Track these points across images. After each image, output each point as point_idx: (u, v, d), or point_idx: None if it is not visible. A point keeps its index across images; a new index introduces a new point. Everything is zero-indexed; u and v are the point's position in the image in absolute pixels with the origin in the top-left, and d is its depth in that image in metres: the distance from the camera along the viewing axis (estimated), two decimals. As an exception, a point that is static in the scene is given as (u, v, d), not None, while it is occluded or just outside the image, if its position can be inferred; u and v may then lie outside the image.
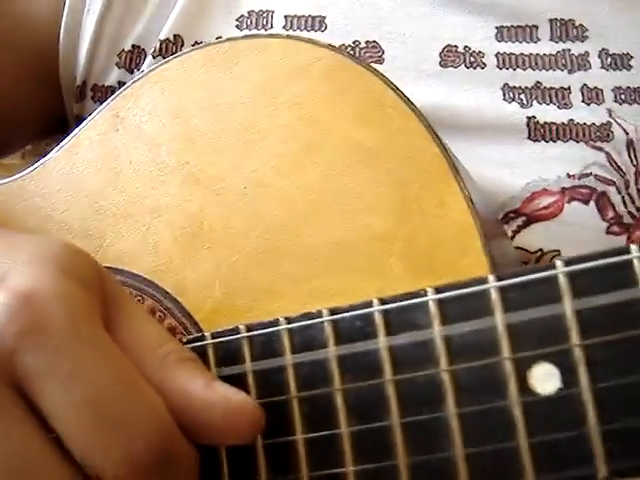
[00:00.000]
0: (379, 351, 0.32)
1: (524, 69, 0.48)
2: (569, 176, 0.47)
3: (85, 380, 0.29)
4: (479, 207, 0.41)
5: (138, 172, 0.40)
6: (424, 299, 0.31)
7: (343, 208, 0.36)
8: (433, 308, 0.31)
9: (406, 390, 0.31)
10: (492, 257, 0.35)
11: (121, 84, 0.50)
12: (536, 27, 0.49)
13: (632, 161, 0.48)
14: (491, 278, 0.31)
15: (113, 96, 0.41)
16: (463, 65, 0.49)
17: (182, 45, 0.49)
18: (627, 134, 0.48)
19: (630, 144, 0.48)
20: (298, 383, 0.33)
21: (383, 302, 0.32)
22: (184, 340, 0.35)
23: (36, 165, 0.42)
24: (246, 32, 0.49)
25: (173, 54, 0.42)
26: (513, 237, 0.47)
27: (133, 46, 0.51)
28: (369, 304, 0.32)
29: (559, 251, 0.46)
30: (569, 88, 0.48)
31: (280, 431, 0.33)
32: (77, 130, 0.42)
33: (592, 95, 0.48)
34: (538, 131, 0.47)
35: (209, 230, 0.38)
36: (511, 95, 0.48)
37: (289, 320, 0.33)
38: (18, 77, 0.52)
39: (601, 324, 0.29)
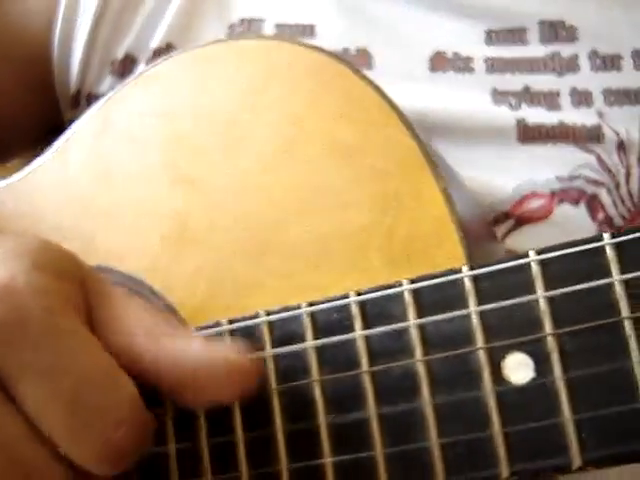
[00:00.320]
0: (356, 342, 0.32)
1: (513, 73, 0.49)
2: (559, 178, 0.47)
3: (63, 372, 0.29)
4: (469, 209, 0.42)
5: (127, 173, 0.41)
6: (399, 289, 0.32)
7: (325, 204, 0.37)
8: (408, 299, 0.32)
9: (382, 381, 0.32)
10: (481, 258, 0.36)
11: (114, 92, 0.51)
12: (526, 30, 0.49)
13: (622, 162, 0.48)
14: (465, 268, 0.31)
15: (103, 99, 0.42)
16: (452, 70, 0.49)
17: None
18: (618, 135, 0.48)
19: (620, 146, 0.48)
20: (277, 375, 0.33)
21: (359, 294, 0.32)
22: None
23: (28, 168, 0.43)
24: None
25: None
26: (503, 240, 0.47)
27: (126, 55, 0.52)
28: (346, 296, 0.33)
29: None
30: (558, 91, 0.49)
31: (260, 423, 0.33)
32: (68, 133, 0.43)
33: (582, 98, 0.48)
34: (527, 133, 0.48)
35: (194, 228, 0.39)
36: (500, 98, 0.48)
37: (269, 313, 0.34)
38: (13, 85, 0.53)
39: (574, 313, 0.30)
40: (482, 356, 0.30)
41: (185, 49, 0.43)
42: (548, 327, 0.30)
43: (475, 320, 0.31)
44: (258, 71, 0.40)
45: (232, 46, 0.41)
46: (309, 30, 0.50)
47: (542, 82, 0.48)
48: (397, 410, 0.31)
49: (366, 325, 0.32)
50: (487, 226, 0.47)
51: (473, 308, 0.31)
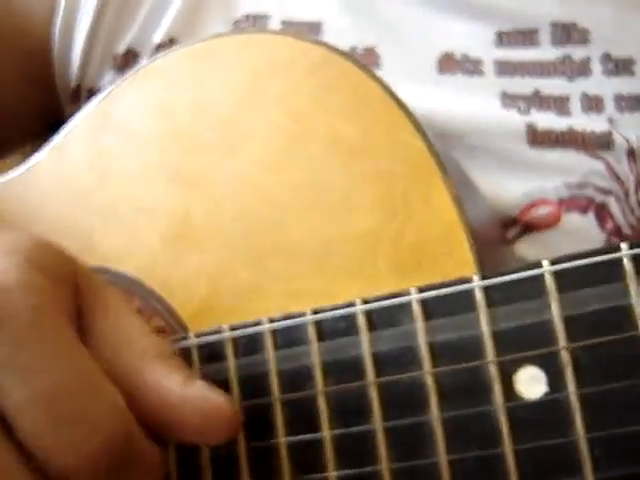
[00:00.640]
0: (362, 353, 0.31)
1: (523, 76, 0.48)
2: (567, 185, 0.46)
3: (42, 373, 0.28)
4: (481, 213, 0.41)
5: (125, 170, 0.40)
6: (407, 298, 0.31)
7: (329, 205, 0.36)
8: (416, 308, 0.30)
9: (389, 393, 0.31)
10: (493, 263, 0.35)
11: (114, 87, 0.50)
12: (537, 31, 0.48)
13: (632, 171, 0.47)
14: (475, 277, 0.30)
15: (101, 94, 0.41)
16: (460, 72, 0.48)
17: None
18: (628, 142, 0.47)
19: (631, 153, 0.47)
20: (281, 385, 0.32)
21: (366, 302, 0.31)
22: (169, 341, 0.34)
23: (26, 164, 0.42)
24: None
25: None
26: (511, 245, 0.46)
27: (127, 49, 0.50)
28: (352, 304, 0.31)
29: None
30: (568, 96, 0.48)
31: (263, 434, 0.32)
32: (66, 129, 0.42)
33: (592, 104, 0.47)
34: (537, 138, 0.47)
35: (195, 228, 0.38)
36: (509, 102, 0.47)
37: (272, 320, 0.33)
38: (13, 76, 0.52)
39: (588, 326, 0.29)
40: (493, 370, 0.29)
41: (185, 43, 0.42)
42: (562, 340, 0.29)
43: (486, 332, 0.30)
44: (260, 66, 0.38)
45: (233, 40, 0.40)
46: (316, 28, 0.49)
47: (552, 86, 0.48)
48: (404, 423, 0.30)
49: (372, 335, 0.31)
50: (498, 229, 0.46)
51: (484, 320, 0.29)
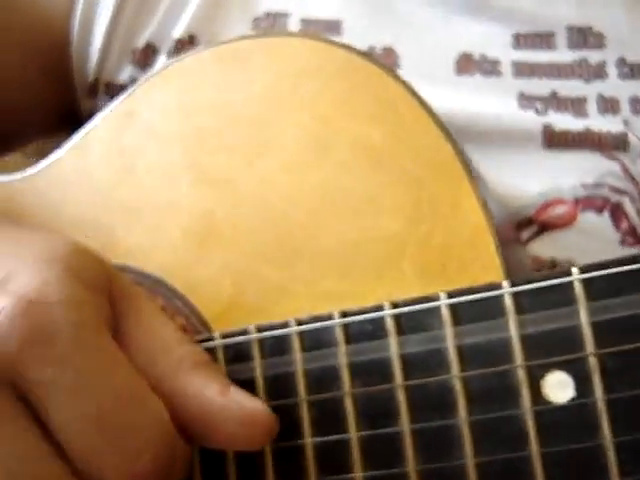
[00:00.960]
0: (390, 356, 0.31)
1: (540, 78, 0.48)
2: (584, 185, 0.47)
3: (89, 391, 0.29)
4: (494, 213, 0.41)
5: (150, 170, 0.40)
6: (436, 303, 0.31)
7: (355, 208, 0.36)
8: (445, 313, 0.31)
9: (417, 396, 0.31)
10: (506, 262, 0.35)
11: (134, 82, 0.49)
12: (553, 34, 0.49)
13: (647, 171, 0.47)
14: (505, 284, 0.30)
15: (125, 93, 0.41)
16: (479, 73, 0.48)
17: (197, 45, 0.49)
18: (643, 144, 0.47)
19: (645, 155, 0.47)
20: (308, 387, 0.33)
21: (395, 306, 0.32)
22: (193, 341, 0.34)
23: (47, 161, 0.42)
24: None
25: (188, 53, 0.42)
26: (525, 245, 0.47)
27: (147, 44, 0.50)
28: (380, 307, 0.32)
29: (572, 261, 0.46)
30: (585, 98, 0.48)
31: (289, 435, 0.33)
32: (88, 127, 0.41)
33: (608, 105, 0.48)
34: (553, 139, 0.47)
35: (220, 228, 0.38)
36: (526, 103, 0.48)
37: (299, 322, 0.33)
38: (30, 69, 0.51)
39: (617, 333, 0.29)
40: (521, 373, 0.30)
41: (210, 44, 0.42)
42: (590, 346, 0.29)
43: (514, 337, 0.30)
44: (287, 69, 0.38)
45: (260, 43, 0.40)
46: (335, 26, 0.49)
47: (569, 88, 0.48)
48: (432, 426, 0.31)
49: (401, 338, 0.31)
50: (510, 229, 0.46)
51: (513, 325, 0.30)
